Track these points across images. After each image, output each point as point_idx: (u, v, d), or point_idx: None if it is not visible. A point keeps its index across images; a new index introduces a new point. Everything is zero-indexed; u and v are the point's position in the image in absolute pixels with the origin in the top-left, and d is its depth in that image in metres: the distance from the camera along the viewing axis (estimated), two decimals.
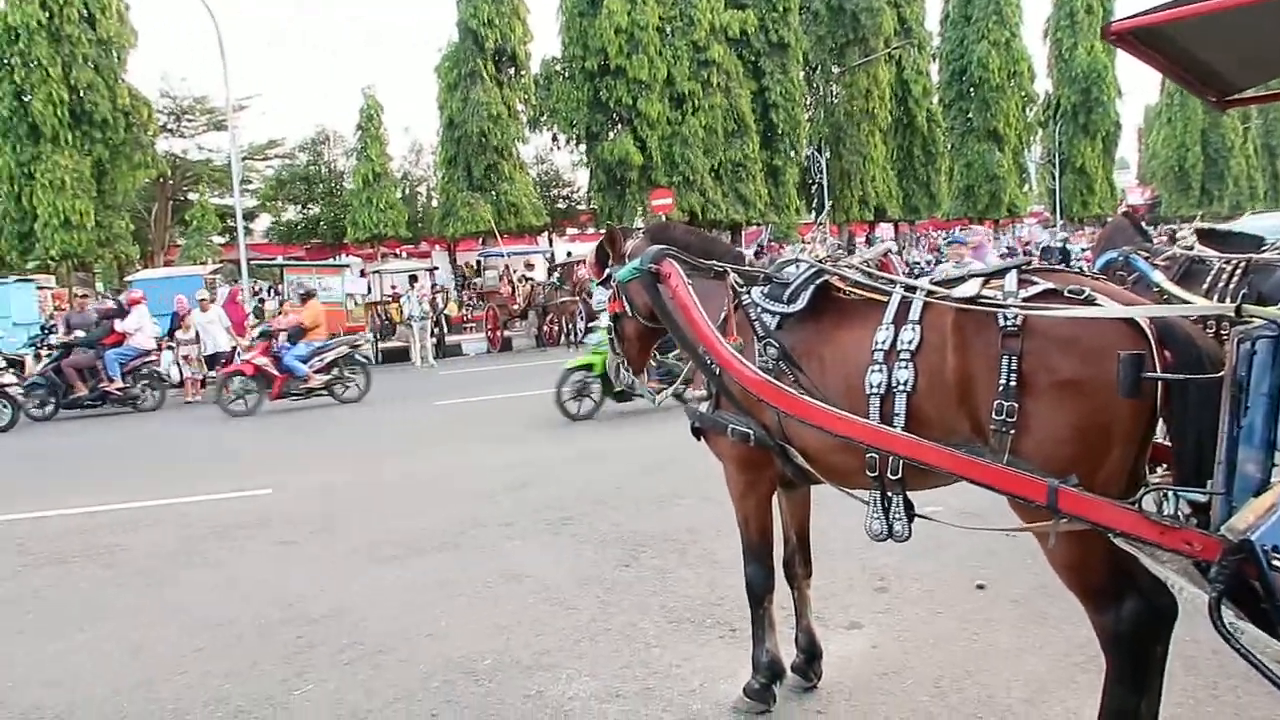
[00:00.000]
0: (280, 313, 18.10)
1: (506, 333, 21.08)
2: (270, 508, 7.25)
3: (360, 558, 5.74)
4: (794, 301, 3.04)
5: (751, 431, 3.12)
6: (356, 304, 24.36)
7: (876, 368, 2.71)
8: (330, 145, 34.78)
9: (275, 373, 12.85)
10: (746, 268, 3.39)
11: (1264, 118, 56.88)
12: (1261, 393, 2.27)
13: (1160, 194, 53.99)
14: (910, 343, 2.66)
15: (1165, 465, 2.68)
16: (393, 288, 25.95)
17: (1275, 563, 2.00)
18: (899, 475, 2.72)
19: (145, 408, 14.27)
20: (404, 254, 34.93)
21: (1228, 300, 4.84)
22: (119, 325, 14.56)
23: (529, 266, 26.32)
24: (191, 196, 32.56)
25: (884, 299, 2.83)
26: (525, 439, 9.41)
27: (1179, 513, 2.39)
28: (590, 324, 14.69)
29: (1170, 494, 2.41)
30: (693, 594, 4.69)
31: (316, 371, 13.10)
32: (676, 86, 29.41)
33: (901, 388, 2.65)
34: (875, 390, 2.69)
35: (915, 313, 2.70)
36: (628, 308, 3.75)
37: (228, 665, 4.21)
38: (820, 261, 3.17)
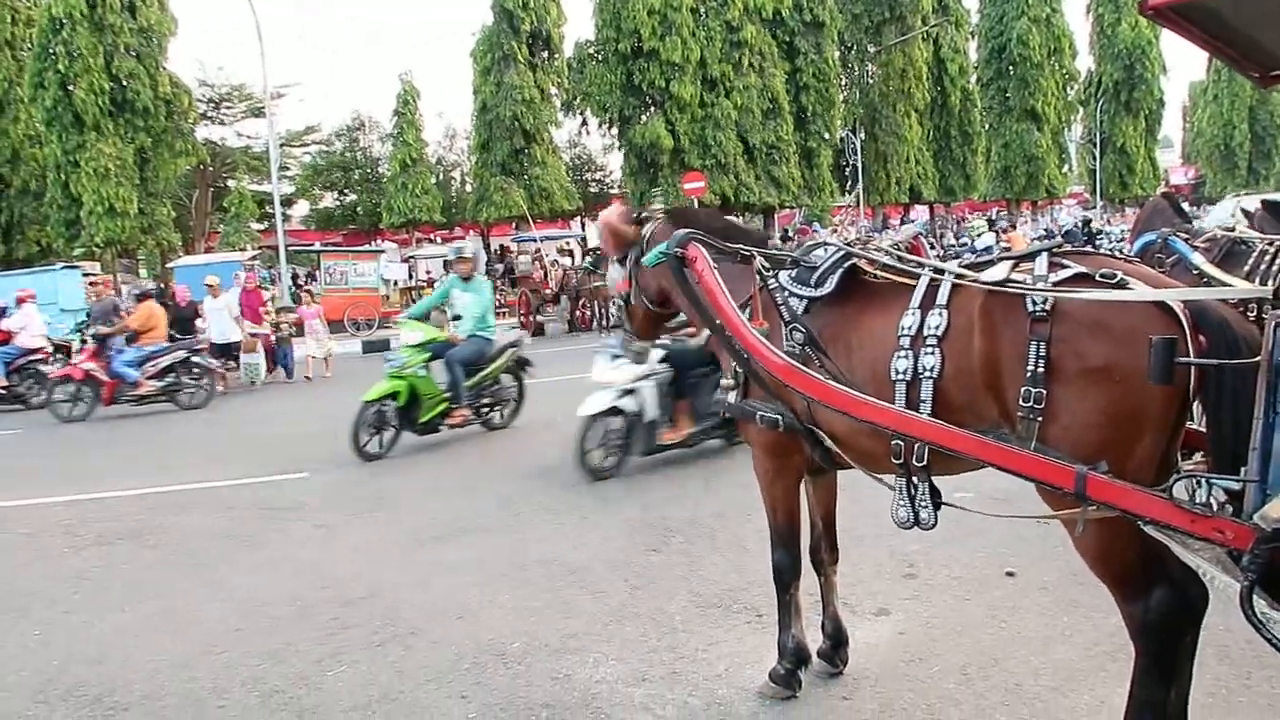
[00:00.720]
0: (303, 301, 18.18)
1: (539, 318, 21.14)
2: (307, 491, 7.35)
3: (396, 541, 5.81)
4: (822, 285, 3.01)
5: (781, 417, 3.11)
6: (394, 288, 24.60)
7: (903, 353, 2.68)
8: (366, 131, 35.10)
9: (105, 378, 12.38)
10: (773, 251, 3.36)
11: None
12: None
13: (1205, 173, 52.79)
14: (937, 328, 2.63)
15: (1201, 452, 2.63)
16: (427, 273, 26.14)
17: None
18: (924, 461, 2.70)
19: (36, 405, 13.71)
20: (439, 239, 35.17)
21: (1270, 283, 4.75)
22: (3, 324, 14.17)
23: (561, 251, 26.39)
24: (230, 183, 32.99)
25: (912, 283, 2.79)
26: (558, 422, 9.42)
27: (1212, 500, 2.34)
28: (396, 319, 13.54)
29: (1204, 481, 2.35)
30: (720, 579, 4.70)
31: (150, 377, 12.59)
32: (709, 68, 29.24)
33: (928, 373, 2.62)
34: (901, 376, 2.67)
35: (943, 297, 2.67)
36: (639, 289, 3.83)
37: (264, 645, 4.29)
38: (849, 244, 3.13)
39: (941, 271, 2.74)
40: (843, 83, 36.03)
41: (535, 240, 25.42)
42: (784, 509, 3.42)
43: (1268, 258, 5.03)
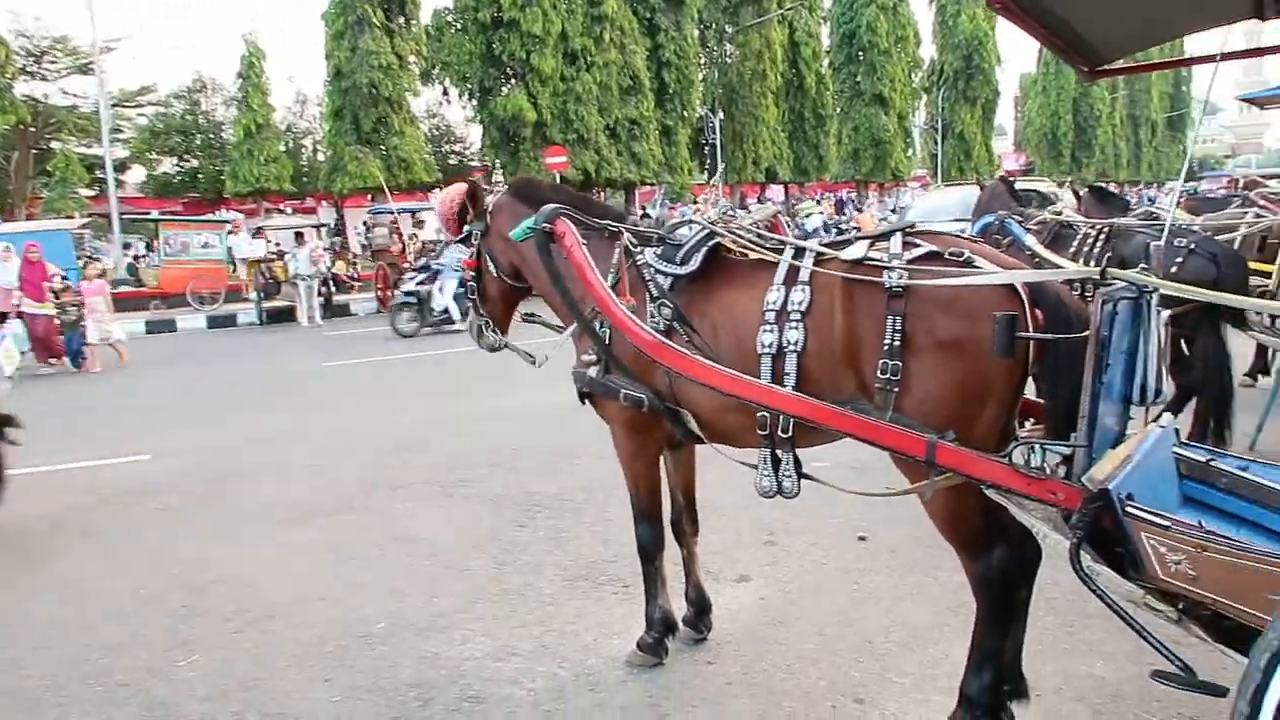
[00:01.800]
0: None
1: (398, 292, 20.53)
2: (150, 474, 6.95)
3: (248, 524, 5.58)
4: (687, 263, 3.06)
5: (643, 396, 3.13)
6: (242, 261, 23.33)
7: (768, 328, 2.76)
8: (208, 94, 33.04)
9: None
10: (639, 228, 3.38)
11: (1129, 89, 59.86)
12: (1121, 350, 2.42)
13: (1034, 160, 56.28)
14: (800, 304, 2.73)
15: (1033, 420, 2.84)
16: (277, 245, 24.97)
17: (1129, 509, 2.15)
18: (789, 434, 2.81)
19: None
20: (290, 209, 33.61)
21: (1092, 263, 5.15)
22: None
23: (419, 224, 25.66)
24: (55, 145, 30.45)
25: (775, 260, 2.88)
26: (417, 400, 9.26)
27: (1046, 465, 2.53)
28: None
29: (1037, 447, 2.54)
30: (587, 553, 4.74)
31: None
32: (571, 42, 28.92)
33: (792, 347, 2.71)
34: (767, 350, 2.75)
35: (805, 274, 2.76)
36: (491, 267, 3.69)
37: (106, 638, 4.06)
38: (712, 223, 3.18)
39: (803, 250, 2.84)
40: (702, 62, 36.42)
41: (393, 212, 24.64)
42: (645, 485, 3.47)
43: (1090, 240, 5.46)
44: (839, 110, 42.63)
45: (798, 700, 3.22)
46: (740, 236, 3.05)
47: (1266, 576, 1.94)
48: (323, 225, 29.19)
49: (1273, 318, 5.21)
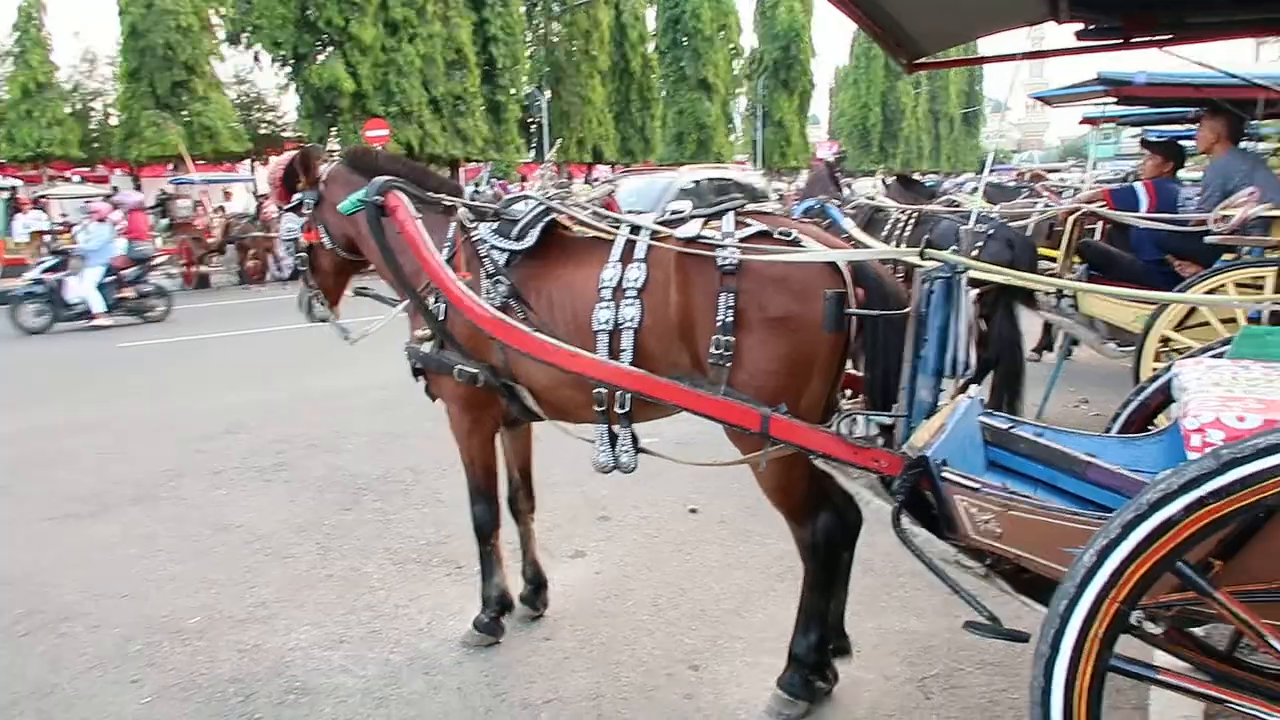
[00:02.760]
0: None
1: (202, 268, 19.24)
2: None
3: (40, 519, 5.09)
4: (523, 239, 3.02)
5: (479, 372, 3.09)
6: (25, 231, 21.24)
7: (604, 305, 2.77)
8: None
9: None
10: (475, 203, 3.30)
11: (931, 85, 63.93)
12: (935, 327, 2.58)
13: (845, 149, 59.19)
14: (636, 280, 2.75)
15: (852, 392, 2.98)
16: (63, 215, 22.85)
17: (944, 474, 2.29)
18: (627, 409, 2.83)
19: None
20: (77, 177, 30.78)
21: (903, 245, 5.49)
22: None
23: (227, 196, 24.14)
24: None
25: (610, 237, 2.89)
26: (230, 381, 8.74)
27: (868, 435, 2.67)
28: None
29: (860, 418, 2.68)
30: (417, 534, 4.63)
31: None
32: (391, 11, 27.87)
33: (628, 324, 2.73)
34: (603, 326, 2.76)
35: (641, 251, 2.78)
36: (325, 239, 3.57)
37: None
38: (548, 199, 3.16)
39: (639, 228, 2.86)
40: (529, 39, 36.03)
41: (196, 183, 23.03)
42: (481, 463, 3.42)
43: (900, 224, 5.82)
44: (664, 94, 43.29)
45: (634, 670, 3.27)
46: (577, 213, 3.03)
47: (1061, 531, 2.12)
48: (114, 191, 26.86)
49: (1058, 298, 5.71)
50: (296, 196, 3.60)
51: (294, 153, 3.65)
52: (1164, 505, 1.68)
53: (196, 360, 10.25)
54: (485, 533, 3.49)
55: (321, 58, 27.28)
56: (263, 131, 31.94)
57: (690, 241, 2.70)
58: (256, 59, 29.00)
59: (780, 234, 2.69)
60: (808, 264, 2.58)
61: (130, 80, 25.96)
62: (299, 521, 4.85)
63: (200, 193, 21.63)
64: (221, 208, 20.85)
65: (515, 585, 3.67)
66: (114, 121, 28.51)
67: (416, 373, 3.36)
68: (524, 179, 30.28)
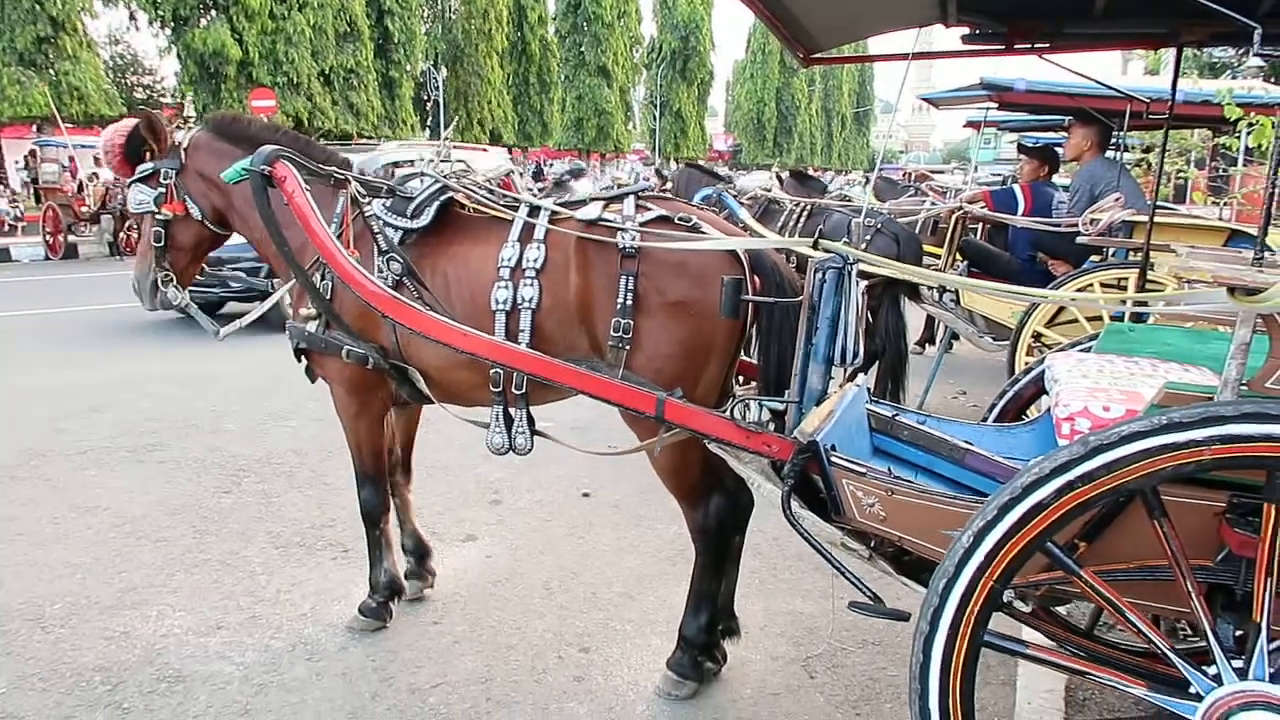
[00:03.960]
0: None
1: (71, 237, 18.12)
2: None
3: None
4: (419, 217, 2.95)
5: (368, 353, 3.00)
6: None
7: (502, 284, 2.74)
8: None
9: None
10: (367, 178, 3.20)
11: (824, 84, 65.53)
12: (825, 316, 2.64)
13: (741, 143, 60.15)
14: (535, 260, 2.73)
15: (745, 378, 3.04)
16: None
17: (833, 459, 2.36)
18: (523, 390, 2.81)
19: None
20: None
21: (797, 235, 5.62)
22: None
23: (97, 163, 22.75)
24: None
25: (509, 217, 2.86)
26: (97, 358, 8.24)
27: (759, 420, 2.72)
28: None
29: (751, 403, 2.73)
30: (301, 517, 4.49)
31: None
32: None
33: (526, 304, 2.71)
34: (501, 306, 2.73)
35: (540, 232, 2.76)
36: (194, 210, 3.29)
37: None
38: (445, 177, 3.09)
39: (538, 208, 2.84)
40: (425, 14, 35.23)
41: (66, 146, 21.66)
42: (369, 446, 3.32)
43: (795, 215, 5.97)
44: (564, 78, 43.05)
45: (524, 654, 3.25)
46: (474, 192, 2.99)
47: (941, 514, 2.21)
48: None
49: (940, 292, 5.94)
50: (147, 165, 3.32)
51: (135, 119, 3.36)
52: (1036, 489, 1.77)
53: (55, 334, 9.65)
54: (374, 517, 3.40)
55: (205, 21, 26.03)
56: (139, 95, 30.32)
57: (590, 224, 2.69)
58: (133, 18, 27.49)
59: (680, 219, 2.71)
60: (707, 250, 2.61)
61: None
62: (174, 504, 4.64)
63: (69, 158, 20.39)
64: (95, 174, 19.67)
65: (401, 562, 3.60)
66: None
67: (299, 353, 3.22)
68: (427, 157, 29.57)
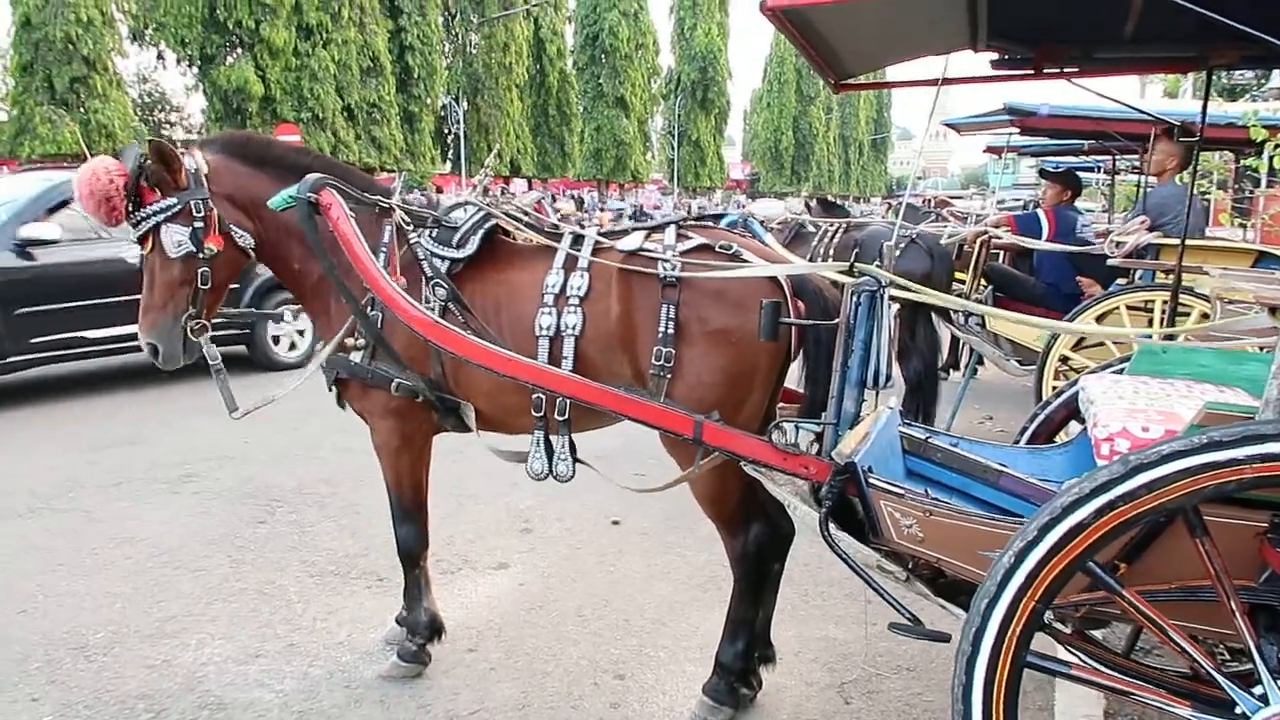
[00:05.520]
0: None
1: None
2: None
3: None
4: (464, 246, 2.98)
5: (418, 384, 2.97)
6: None
7: (547, 310, 2.77)
8: None
9: None
10: (413, 208, 3.19)
11: (841, 111, 65.82)
12: (859, 338, 2.67)
13: (759, 171, 60.42)
14: (579, 289, 2.76)
15: (784, 404, 3.06)
16: None
17: (871, 480, 2.37)
18: (565, 416, 2.83)
19: None
20: None
21: (831, 252, 5.68)
22: None
23: None
24: None
25: (554, 245, 2.90)
26: (125, 392, 8.27)
27: (795, 442, 2.73)
28: None
29: (788, 426, 2.75)
30: (335, 546, 4.53)
31: None
32: (305, 15, 27.41)
33: (570, 331, 2.74)
34: (545, 333, 2.76)
35: (584, 260, 2.80)
36: (244, 239, 3.06)
37: None
38: (489, 205, 3.13)
39: (582, 238, 2.89)
40: (446, 49, 35.79)
41: None
42: (411, 480, 3.24)
43: (825, 240, 6.04)
44: (583, 109, 43.50)
45: (560, 680, 3.26)
46: (518, 220, 3.03)
47: (979, 535, 2.21)
48: None
49: (966, 315, 5.94)
50: (167, 201, 2.94)
51: (142, 151, 2.95)
52: (1077, 508, 1.77)
53: (79, 367, 9.74)
54: (414, 555, 3.32)
55: (230, 59, 26.58)
56: (165, 133, 30.90)
57: (632, 254, 2.73)
58: (161, 57, 28.15)
59: (721, 248, 2.75)
60: (746, 277, 2.64)
61: (23, 73, 24.84)
62: (210, 534, 4.69)
63: None
64: None
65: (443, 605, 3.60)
66: (2, 117, 27.19)
67: (337, 383, 3.15)
68: (439, 190, 29.93)
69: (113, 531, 4.74)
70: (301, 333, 9.14)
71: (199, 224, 2.98)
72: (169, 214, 2.95)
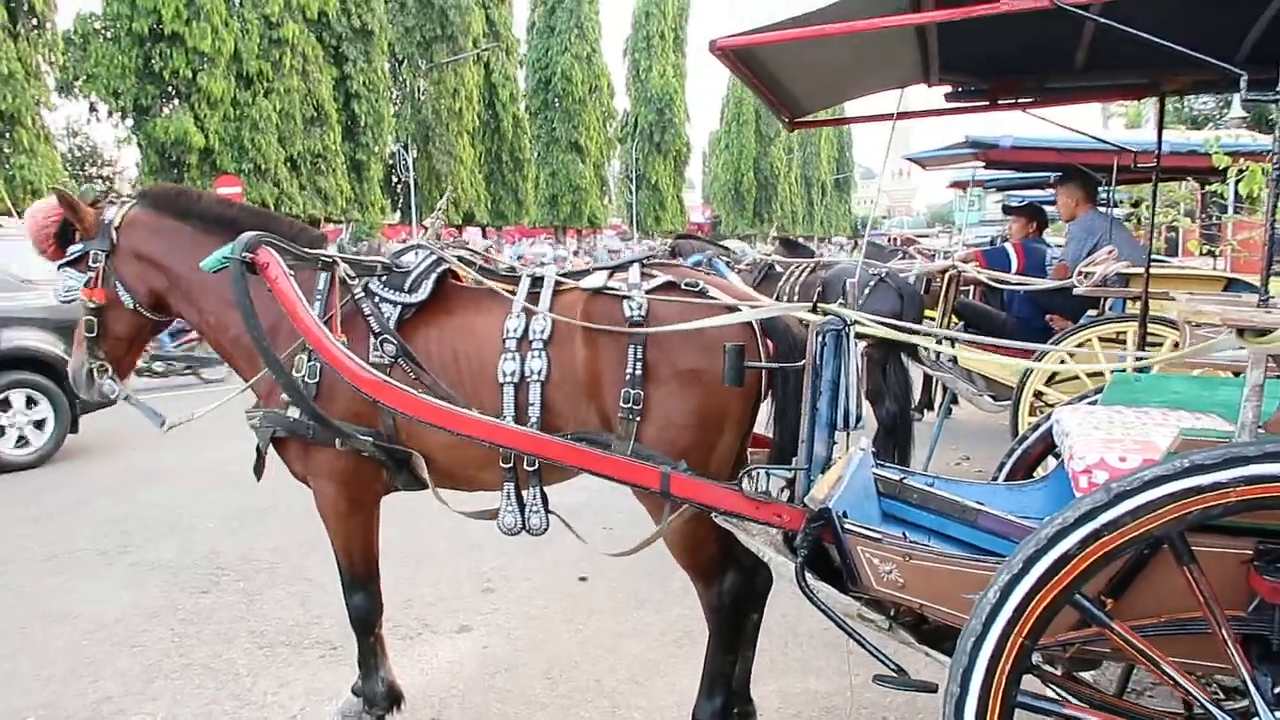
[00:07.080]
0: None
1: None
2: None
3: None
4: (416, 291, 2.84)
5: (371, 439, 2.78)
6: None
7: (509, 355, 2.64)
8: None
9: None
10: (358, 258, 3.00)
11: (803, 151, 66.66)
12: (826, 379, 2.57)
13: (719, 213, 60.85)
14: (542, 332, 2.64)
15: (754, 447, 2.94)
16: None
17: (847, 526, 2.26)
18: (535, 467, 2.69)
19: None
20: None
21: (796, 292, 5.63)
22: None
23: None
24: None
25: (511, 288, 2.78)
26: (58, 459, 7.90)
27: (767, 490, 2.62)
28: None
29: (761, 473, 2.64)
30: (285, 615, 4.29)
31: None
32: (245, 64, 27.00)
33: (535, 377, 2.61)
34: (509, 379, 2.63)
35: (545, 302, 2.68)
36: (126, 298, 3.03)
37: None
38: (441, 249, 2.99)
39: (540, 278, 2.77)
40: (394, 96, 35.62)
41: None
42: (360, 546, 3.04)
43: (791, 280, 6.00)
44: (537, 155, 43.45)
45: None
46: (471, 264, 2.91)
47: (962, 577, 2.11)
48: None
49: (938, 354, 5.89)
50: (76, 247, 3.04)
51: (53, 199, 3.06)
52: (1062, 539, 1.72)
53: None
54: (367, 624, 3.12)
55: (167, 110, 26.05)
56: (100, 188, 30.25)
57: (595, 294, 2.62)
58: (93, 109, 27.39)
59: (687, 285, 2.65)
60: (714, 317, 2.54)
61: None
62: (150, 607, 4.43)
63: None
64: None
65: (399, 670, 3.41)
66: None
67: (273, 443, 2.93)
68: (391, 241, 29.63)
69: (45, 608, 4.45)
70: (40, 424, 7.56)
71: (88, 274, 3.03)
72: (70, 259, 3.06)
